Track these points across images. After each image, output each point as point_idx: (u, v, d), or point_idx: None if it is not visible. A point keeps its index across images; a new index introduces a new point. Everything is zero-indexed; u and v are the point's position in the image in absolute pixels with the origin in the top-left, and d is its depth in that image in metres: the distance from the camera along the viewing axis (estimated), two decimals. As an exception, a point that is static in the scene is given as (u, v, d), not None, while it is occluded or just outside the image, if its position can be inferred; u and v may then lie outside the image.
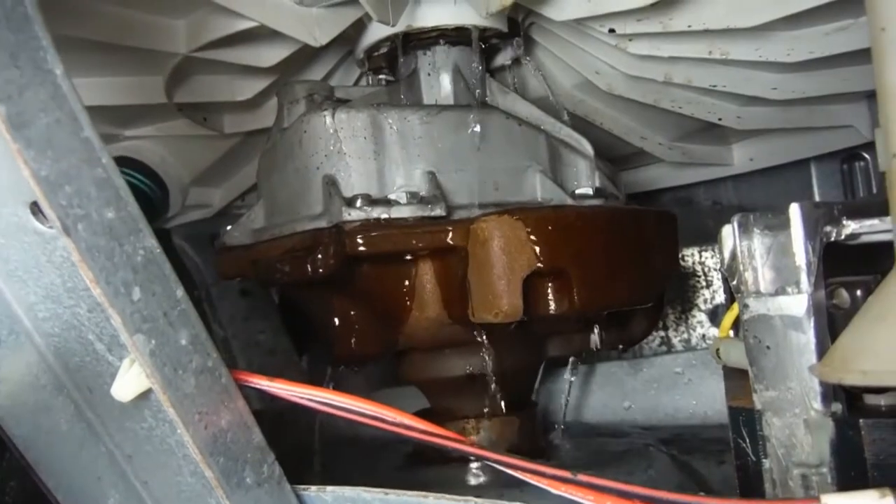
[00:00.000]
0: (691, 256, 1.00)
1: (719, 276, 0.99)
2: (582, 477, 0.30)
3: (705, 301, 0.99)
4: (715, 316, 0.98)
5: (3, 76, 0.25)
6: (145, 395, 0.34)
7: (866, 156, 0.91)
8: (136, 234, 0.30)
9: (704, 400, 0.82)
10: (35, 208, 0.31)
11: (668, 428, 0.81)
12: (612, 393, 0.86)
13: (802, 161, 0.91)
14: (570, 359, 0.75)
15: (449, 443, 0.35)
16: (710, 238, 0.98)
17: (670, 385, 0.84)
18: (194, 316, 0.32)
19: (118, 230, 0.29)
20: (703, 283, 1.00)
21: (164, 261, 0.31)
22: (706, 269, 1.00)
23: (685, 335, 0.99)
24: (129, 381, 0.33)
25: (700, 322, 0.99)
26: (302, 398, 0.36)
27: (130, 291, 0.29)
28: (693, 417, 0.82)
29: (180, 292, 0.32)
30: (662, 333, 1.00)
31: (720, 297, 0.99)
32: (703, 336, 0.98)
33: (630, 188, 0.96)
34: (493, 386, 0.65)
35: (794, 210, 0.37)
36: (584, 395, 0.87)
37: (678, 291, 0.99)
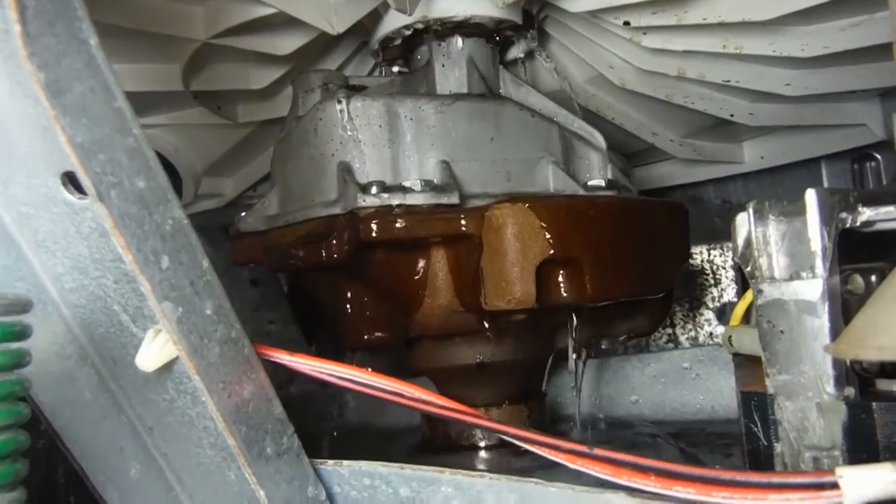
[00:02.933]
0: (700, 254, 0.99)
1: (727, 274, 0.99)
2: (598, 451, 0.31)
3: (713, 299, 0.99)
4: (723, 314, 0.98)
5: (42, 43, 0.26)
6: (168, 367, 0.35)
7: (877, 156, 0.91)
8: (164, 204, 0.30)
9: (712, 395, 0.82)
10: (65, 179, 0.32)
11: (676, 422, 0.81)
12: (619, 387, 0.86)
13: (813, 161, 0.91)
14: (583, 350, 0.75)
15: (467, 417, 0.35)
16: (719, 236, 0.98)
17: (678, 380, 0.85)
18: (219, 287, 0.33)
19: (148, 199, 0.30)
20: (712, 282, 1.00)
21: (190, 231, 0.31)
22: (714, 268, 1.00)
23: (692, 333, 0.99)
24: (153, 351, 0.34)
25: (708, 320, 0.99)
26: (323, 373, 0.36)
27: (159, 259, 0.30)
28: (700, 412, 0.82)
29: (206, 263, 0.32)
30: (670, 331, 1.00)
31: (728, 296, 0.99)
32: (711, 334, 0.98)
33: (640, 185, 0.96)
34: (503, 375, 0.65)
35: (811, 195, 0.38)
36: (591, 388, 0.87)
37: (686, 289, 0.99)
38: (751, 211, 0.41)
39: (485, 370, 0.67)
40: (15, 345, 0.29)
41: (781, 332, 0.39)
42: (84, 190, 0.31)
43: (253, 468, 0.34)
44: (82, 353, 0.36)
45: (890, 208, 0.38)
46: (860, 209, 0.39)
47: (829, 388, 0.37)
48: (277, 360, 0.36)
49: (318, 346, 0.98)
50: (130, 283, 0.33)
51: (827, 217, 0.38)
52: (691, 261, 0.98)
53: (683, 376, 0.84)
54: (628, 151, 0.91)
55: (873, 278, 0.37)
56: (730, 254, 0.99)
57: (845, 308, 0.38)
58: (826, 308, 0.37)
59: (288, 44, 0.69)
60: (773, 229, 0.40)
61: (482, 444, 0.67)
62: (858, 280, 0.38)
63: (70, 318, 0.35)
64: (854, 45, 0.62)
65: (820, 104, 0.77)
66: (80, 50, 0.27)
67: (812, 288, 0.37)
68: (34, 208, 0.33)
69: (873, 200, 0.39)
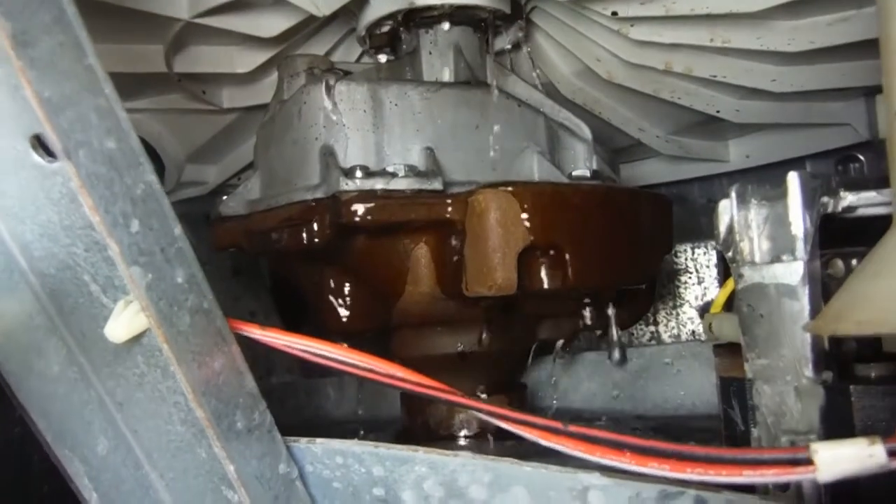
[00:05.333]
0: (684, 253, 1.00)
1: (711, 273, 0.99)
2: (573, 428, 0.30)
3: (696, 298, 1.00)
4: (706, 312, 0.98)
5: (9, -8, 0.25)
6: (138, 340, 0.34)
7: (861, 157, 0.91)
8: (136, 168, 0.30)
9: (693, 390, 0.82)
10: (35, 141, 0.31)
11: (657, 417, 0.81)
12: (600, 381, 0.86)
13: (797, 161, 0.91)
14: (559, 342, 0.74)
15: (440, 393, 0.35)
16: (703, 235, 0.98)
17: (659, 375, 0.85)
18: (191, 255, 0.32)
19: (118, 161, 0.29)
20: (695, 280, 1.00)
21: (163, 197, 0.31)
22: (698, 266, 1.00)
23: (675, 331, 0.99)
24: (123, 321, 0.33)
25: (691, 318, 0.99)
26: (295, 348, 0.36)
27: (129, 223, 0.29)
28: (681, 407, 0.82)
29: (178, 230, 0.31)
30: (653, 328, 1.00)
31: (711, 294, 0.99)
32: (693, 332, 0.98)
33: (625, 182, 0.96)
34: (483, 364, 0.65)
35: (793, 178, 0.38)
36: (572, 382, 0.87)
37: (670, 287, 0.99)
38: (733, 195, 0.41)
39: (466, 360, 0.66)
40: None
41: (761, 315, 0.38)
42: (54, 153, 0.30)
43: (222, 442, 0.33)
44: (51, 325, 0.35)
45: (872, 193, 0.38)
46: (842, 194, 0.39)
47: (808, 371, 0.37)
48: (250, 335, 0.36)
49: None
50: (101, 252, 0.32)
51: (809, 201, 0.38)
52: (675, 259, 0.99)
53: (665, 371, 0.84)
54: (613, 148, 0.91)
55: (854, 262, 0.37)
56: (714, 253, 0.99)
57: (825, 292, 0.38)
58: (806, 291, 0.37)
59: (273, 26, 0.68)
60: (755, 213, 0.40)
61: (462, 433, 0.66)
62: (839, 264, 0.38)
63: (38, 287, 0.34)
64: (841, 40, 0.62)
65: (805, 102, 0.77)
66: (50, 2, 0.26)
67: (792, 271, 0.37)
68: (2, 171, 0.32)
69: (856, 185, 0.39)
